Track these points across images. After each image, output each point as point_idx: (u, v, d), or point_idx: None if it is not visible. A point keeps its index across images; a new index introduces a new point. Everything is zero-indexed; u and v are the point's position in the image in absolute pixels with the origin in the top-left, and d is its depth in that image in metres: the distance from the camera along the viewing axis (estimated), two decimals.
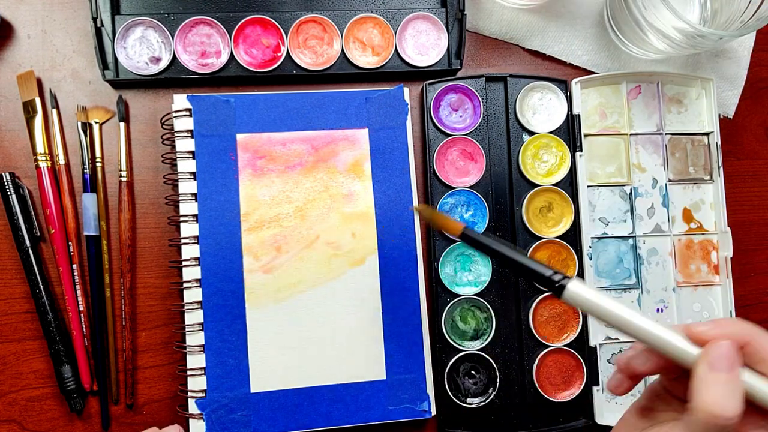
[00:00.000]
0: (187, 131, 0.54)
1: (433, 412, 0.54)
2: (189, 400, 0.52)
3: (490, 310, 0.56)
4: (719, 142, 0.60)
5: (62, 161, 0.54)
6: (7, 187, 0.52)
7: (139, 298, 0.55)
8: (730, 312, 0.58)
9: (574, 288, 0.34)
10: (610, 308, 0.33)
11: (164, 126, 0.55)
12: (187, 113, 0.54)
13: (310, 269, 0.54)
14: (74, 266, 0.54)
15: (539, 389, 0.56)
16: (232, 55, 0.55)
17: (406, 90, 0.57)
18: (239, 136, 0.54)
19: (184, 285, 0.53)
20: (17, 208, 0.53)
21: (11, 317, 0.54)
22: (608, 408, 0.57)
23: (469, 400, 0.55)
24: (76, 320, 0.53)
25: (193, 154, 0.54)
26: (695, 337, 0.32)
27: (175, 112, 0.54)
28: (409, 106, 0.57)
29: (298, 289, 0.54)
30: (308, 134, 0.55)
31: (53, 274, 0.54)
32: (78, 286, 0.54)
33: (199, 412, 0.51)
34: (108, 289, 0.54)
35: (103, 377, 0.53)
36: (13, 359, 0.53)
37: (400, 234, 0.55)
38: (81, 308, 0.53)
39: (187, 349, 0.52)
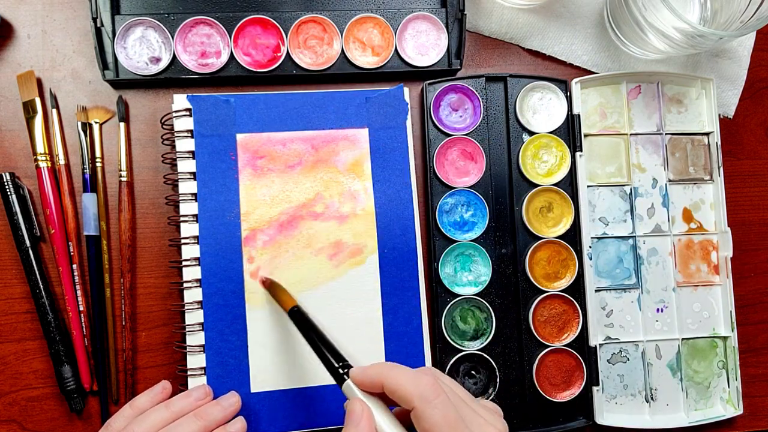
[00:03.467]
0: (187, 131, 0.54)
1: None
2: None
3: (490, 310, 0.56)
4: (719, 142, 0.60)
5: (62, 161, 0.54)
6: (7, 187, 0.52)
7: (139, 298, 0.55)
8: (730, 312, 0.58)
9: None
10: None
11: (164, 126, 0.55)
12: (187, 113, 0.54)
13: (310, 269, 0.54)
14: (74, 266, 0.54)
15: (539, 389, 0.56)
16: (232, 55, 0.55)
17: (406, 90, 0.57)
18: (239, 136, 0.54)
19: (184, 285, 0.53)
20: (17, 208, 0.53)
21: (11, 317, 0.54)
22: (608, 408, 0.57)
23: None
24: (76, 320, 0.53)
25: (193, 154, 0.54)
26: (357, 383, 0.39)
27: (175, 112, 0.54)
28: (409, 106, 0.57)
29: (298, 289, 0.54)
30: (308, 134, 0.55)
31: (53, 274, 0.54)
32: (78, 286, 0.54)
33: None
34: (108, 289, 0.54)
35: (103, 377, 0.53)
36: (13, 359, 0.53)
37: (400, 234, 0.55)
38: (81, 308, 0.53)
39: (188, 349, 0.52)
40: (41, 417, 0.53)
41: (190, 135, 0.54)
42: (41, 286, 0.53)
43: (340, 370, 0.41)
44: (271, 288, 0.51)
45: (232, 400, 0.49)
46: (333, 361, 0.42)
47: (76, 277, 0.54)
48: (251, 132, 0.54)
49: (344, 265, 0.54)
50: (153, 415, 0.46)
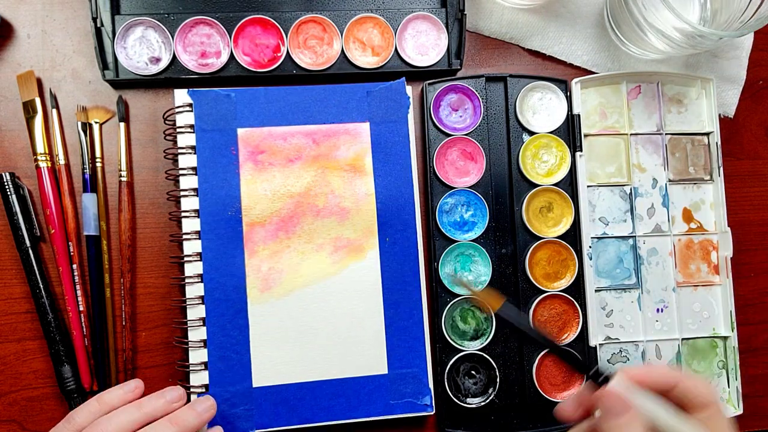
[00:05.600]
0: (189, 126, 0.54)
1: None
2: (191, 395, 0.52)
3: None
4: (719, 142, 0.60)
5: (62, 161, 0.54)
6: (7, 187, 0.52)
7: (139, 298, 0.55)
8: (730, 312, 0.58)
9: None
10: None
11: (166, 121, 0.55)
12: (189, 108, 0.54)
13: (311, 264, 0.54)
14: (74, 266, 0.54)
15: (539, 389, 0.56)
16: (232, 55, 0.55)
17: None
18: (240, 131, 0.54)
19: (186, 280, 0.53)
20: (17, 208, 0.53)
21: (11, 317, 0.54)
22: None
23: (469, 400, 0.55)
24: (76, 320, 0.53)
25: (194, 149, 0.54)
26: (633, 380, 0.39)
27: (177, 107, 0.54)
28: (410, 100, 0.56)
29: (300, 283, 0.54)
30: (309, 128, 0.55)
31: (53, 274, 0.54)
32: (78, 286, 0.54)
33: None
34: (108, 289, 0.54)
35: (103, 377, 0.53)
36: (13, 359, 0.53)
37: (401, 228, 0.55)
38: (81, 308, 0.53)
39: (189, 345, 0.52)
40: (41, 417, 0.53)
41: (191, 130, 0.54)
42: (41, 286, 0.52)
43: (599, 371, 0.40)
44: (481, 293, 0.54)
45: (207, 404, 0.47)
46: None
47: (76, 277, 0.54)
48: (252, 126, 0.54)
49: (345, 259, 0.54)
50: (123, 415, 0.44)
